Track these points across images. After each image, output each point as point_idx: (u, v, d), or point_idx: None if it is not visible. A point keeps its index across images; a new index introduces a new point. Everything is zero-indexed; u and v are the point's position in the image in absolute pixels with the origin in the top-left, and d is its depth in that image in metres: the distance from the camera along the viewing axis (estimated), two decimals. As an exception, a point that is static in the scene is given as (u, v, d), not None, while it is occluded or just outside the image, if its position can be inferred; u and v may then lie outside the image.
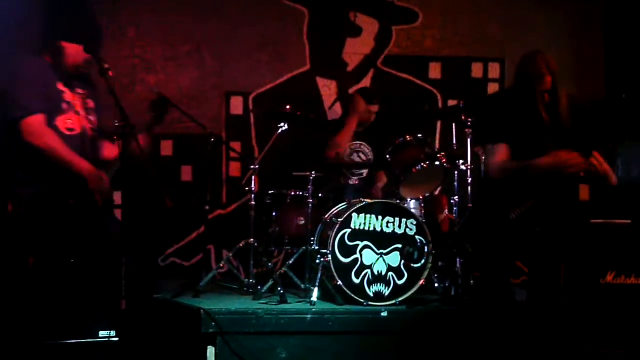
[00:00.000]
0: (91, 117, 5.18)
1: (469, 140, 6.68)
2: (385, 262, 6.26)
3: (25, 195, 4.90)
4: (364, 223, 6.27)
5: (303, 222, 6.72)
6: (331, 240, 6.16)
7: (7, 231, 4.96)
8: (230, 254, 6.94)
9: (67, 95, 5.11)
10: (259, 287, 6.41)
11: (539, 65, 5.32)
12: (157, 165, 7.77)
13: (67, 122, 5.06)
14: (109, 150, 5.22)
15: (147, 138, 5.28)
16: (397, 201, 6.54)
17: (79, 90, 5.20)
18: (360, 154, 7.63)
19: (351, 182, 7.43)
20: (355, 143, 7.65)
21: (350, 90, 8.27)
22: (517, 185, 5.37)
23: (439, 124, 8.55)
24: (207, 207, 7.17)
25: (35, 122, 4.96)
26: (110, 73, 4.91)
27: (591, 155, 5.27)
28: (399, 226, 6.32)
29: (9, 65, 5.16)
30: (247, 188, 6.84)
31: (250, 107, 8.22)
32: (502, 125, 5.56)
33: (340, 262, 6.19)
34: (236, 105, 8.27)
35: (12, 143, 4.98)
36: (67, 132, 5.05)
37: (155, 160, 7.75)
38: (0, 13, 7.39)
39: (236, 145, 8.14)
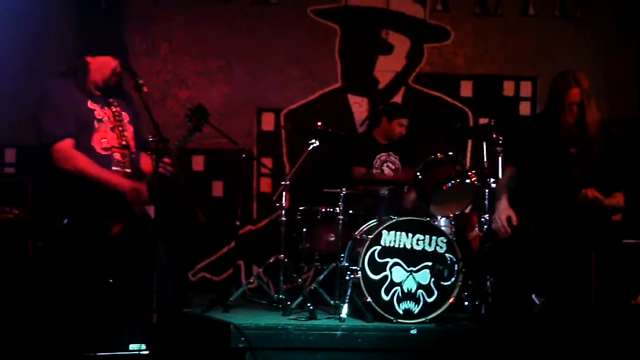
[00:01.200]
0: (127, 132, 5.14)
1: (499, 158, 6.68)
2: (415, 279, 6.27)
3: (61, 221, 4.90)
4: (395, 240, 6.27)
5: (333, 238, 6.72)
6: (361, 257, 6.17)
7: (53, 258, 5.00)
8: (261, 270, 6.97)
9: (99, 112, 5.05)
10: (288, 303, 6.42)
11: (568, 79, 5.36)
12: (189, 180, 7.81)
13: (102, 142, 5.02)
14: (146, 162, 5.19)
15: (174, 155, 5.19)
16: (428, 219, 6.54)
17: (112, 107, 5.14)
18: (389, 164, 7.64)
19: (382, 193, 7.41)
20: (384, 154, 7.66)
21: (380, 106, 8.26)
22: (537, 198, 5.41)
23: (469, 142, 8.54)
24: (238, 223, 7.20)
25: (63, 148, 4.91)
26: (145, 89, 4.90)
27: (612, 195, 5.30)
28: (430, 244, 6.33)
29: (38, 90, 5.14)
30: (278, 204, 6.87)
31: (282, 123, 8.24)
32: (516, 147, 5.67)
33: (370, 279, 6.20)
34: (268, 121, 8.30)
35: (46, 168, 4.99)
36: (103, 153, 5.02)
37: (187, 175, 7.79)
38: (37, 38, 7.57)
39: (267, 161, 8.17)
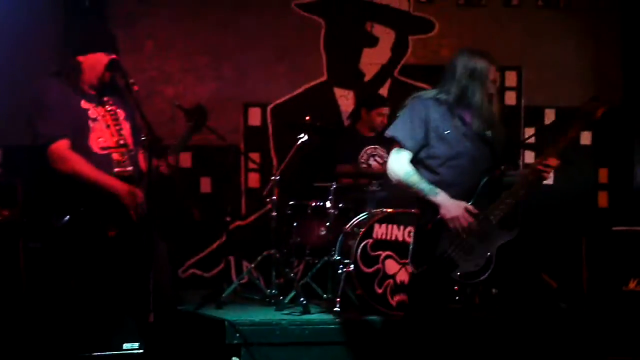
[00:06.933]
0: (124, 130, 5.09)
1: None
2: (408, 272, 6.27)
3: (60, 220, 4.86)
4: (386, 233, 6.28)
5: (324, 232, 6.72)
6: (354, 251, 6.18)
7: (51, 258, 4.97)
8: (252, 266, 6.95)
9: (92, 112, 5.00)
10: (281, 297, 6.42)
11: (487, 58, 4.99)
12: (180, 177, 7.79)
13: (99, 141, 4.96)
14: (144, 161, 5.14)
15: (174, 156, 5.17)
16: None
17: (107, 105, 5.09)
18: (377, 158, 7.63)
19: (371, 187, 7.40)
20: (370, 147, 7.65)
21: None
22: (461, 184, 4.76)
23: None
24: (228, 219, 7.19)
25: (58, 149, 4.87)
26: (135, 88, 4.86)
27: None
28: (421, 236, 6.33)
29: (32, 91, 5.09)
30: (268, 199, 6.87)
31: (269, 118, 8.24)
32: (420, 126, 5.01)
33: (363, 272, 6.20)
34: (254, 116, 8.29)
35: (38, 169, 4.95)
36: (102, 152, 4.96)
37: (176, 172, 7.78)
38: (22, 37, 7.52)
39: (255, 156, 8.16)
